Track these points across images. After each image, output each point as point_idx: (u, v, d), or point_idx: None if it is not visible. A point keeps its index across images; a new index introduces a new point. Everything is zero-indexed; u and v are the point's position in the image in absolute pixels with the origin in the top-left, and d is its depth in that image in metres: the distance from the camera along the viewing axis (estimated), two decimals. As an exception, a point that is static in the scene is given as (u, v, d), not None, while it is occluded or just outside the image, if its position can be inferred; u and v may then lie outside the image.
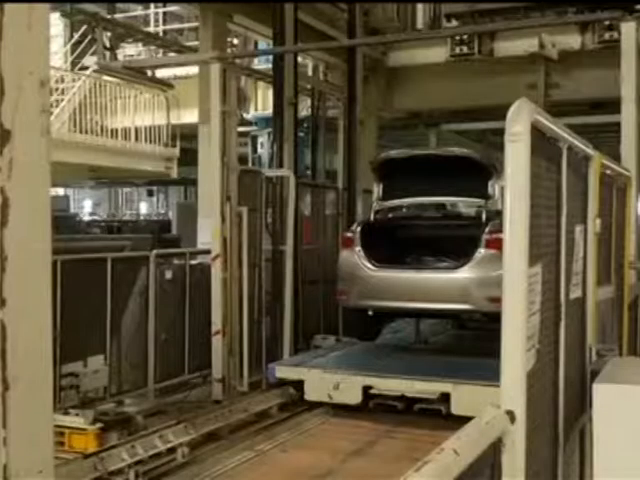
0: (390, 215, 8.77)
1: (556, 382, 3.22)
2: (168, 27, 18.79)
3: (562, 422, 3.31)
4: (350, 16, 12.18)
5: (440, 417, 6.69)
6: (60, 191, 30.37)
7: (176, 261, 9.84)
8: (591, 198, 3.70)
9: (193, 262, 9.78)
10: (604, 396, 3.12)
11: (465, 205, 8.50)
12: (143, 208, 37.31)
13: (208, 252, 8.99)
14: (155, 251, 9.18)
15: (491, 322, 7.19)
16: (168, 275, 9.23)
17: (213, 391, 8.41)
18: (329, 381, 7.25)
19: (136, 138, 15.34)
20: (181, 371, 9.19)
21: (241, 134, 13.41)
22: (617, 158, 8.17)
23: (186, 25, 19.03)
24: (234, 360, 8.66)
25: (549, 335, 3.07)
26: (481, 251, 7.45)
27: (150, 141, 15.61)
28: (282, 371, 7.87)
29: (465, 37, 12.71)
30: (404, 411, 7.04)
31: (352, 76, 11.97)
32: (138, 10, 18.98)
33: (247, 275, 9.01)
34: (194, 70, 13.04)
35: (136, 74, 12.90)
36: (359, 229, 8.27)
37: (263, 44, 14.67)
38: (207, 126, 9.56)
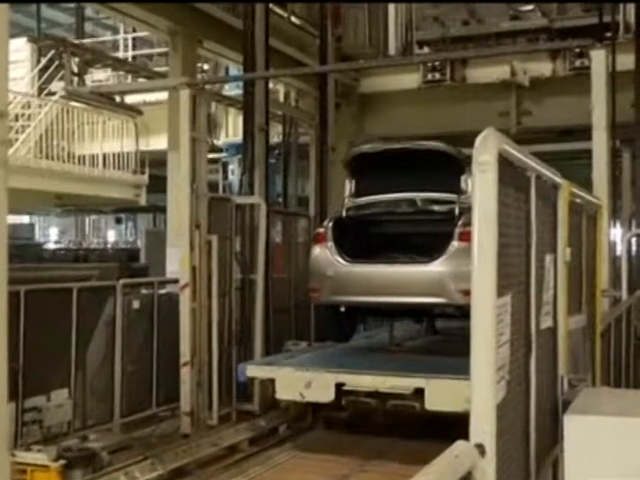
0: (363, 211, 8.71)
1: (527, 414, 3.23)
2: (137, 52, 18.81)
3: (534, 454, 3.32)
4: (322, 42, 12.31)
5: (414, 443, 6.64)
6: (25, 219, 30.08)
7: (144, 290, 9.76)
8: (561, 227, 3.75)
9: (161, 291, 9.71)
10: (575, 428, 3.13)
11: (438, 200, 8.47)
12: (111, 236, 37.03)
13: (177, 281, 8.94)
14: (122, 280, 9.11)
15: (464, 318, 7.33)
16: (136, 305, 9.15)
17: (181, 425, 8.32)
18: (301, 379, 7.20)
19: (104, 165, 15.28)
20: (148, 404, 9.08)
21: (211, 161, 13.46)
22: (590, 185, 8.29)
23: (156, 50, 19.08)
24: (203, 392, 8.58)
25: (519, 366, 3.09)
26: (454, 244, 7.46)
27: (118, 168, 15.55)
28: (252, 370, 7.82)
29: (437, 64, 12.90)
30: (377, 410, 7.04)
31: (324, 103, 12.07)
32: (107, 35, 19.01)
33: (217, 305, 8.97)
34: (163, 96, 13.05)
35: (104, 100, 12.92)
36: (331, 224, 8.27)
37: (234, 70, 14.76)
38: (176, 153, 9.57)
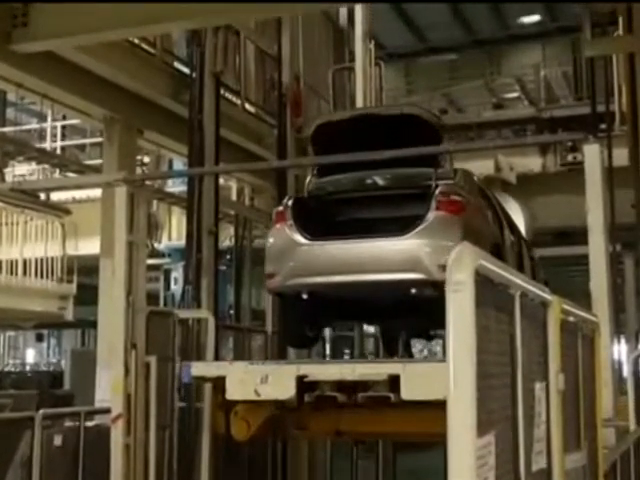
0: (327, 189, 8.62)
1: None
2: (67, 143, 19.06)
3: None
4: (280, 133, 12.63)
5: None
6: None
7: (68, 423, 9.60)
8: (552, 350, 3.81)
9: (89, 424, 9.56)
10: None
11: (412, 175, 8.45)
12: (30, 356, 36.45)
13: (108, 411, 8.80)
14: (42, 411, 8.96)
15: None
16: (57, 441, 8.98)
17: None
18: (256, 374, 7.10)
19: (24, 272, 15.20)
20: None
21: (152, 267, 13.49)
22: (589, 295, 8.42)
23: (88, 140, 19.35)
24: None
25: (508, 516, 3.08)
26: (432, 214, 7.45)
27: (41, 276, 15.48)
28: (199, 369, 7.84)
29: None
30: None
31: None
32: (32, 123, 19.29)
33: (155, 439, 8.82)
34: (96, 193, 13.18)
35: (27, 197, 12.98)
36: (291, 202, 8.18)
37: (179, 163, 15.00)
38: (110, 259, 9.59)
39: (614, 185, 10.69)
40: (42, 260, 15.55)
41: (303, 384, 6.93)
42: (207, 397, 9.57)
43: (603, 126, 13.11)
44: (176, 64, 12.20)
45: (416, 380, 6.44)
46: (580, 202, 9.29)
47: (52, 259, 15.69)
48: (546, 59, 26.62)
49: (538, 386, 3.61)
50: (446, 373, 2.43)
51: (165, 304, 15.69)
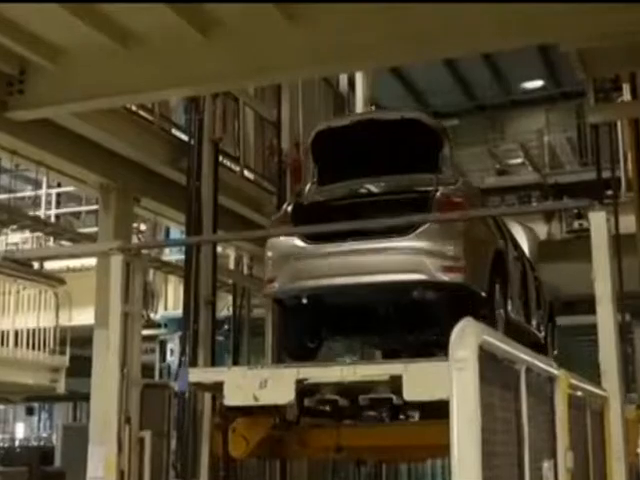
0: (326, 196, 8.65)
1: None
2: (62, 210, 19.15)
3: None
4: (280, 200, 12.68)
5: None
6: None
7: (58, 502, 9.48)
8: (559, 427, 3.77)
9: (80, 503, 9.43)
10: None
11: (413, 183, 8.48)
12: (20, 430, 36.09)
13: (100, 490, 8.70)
14: (31, 489, 8.85)
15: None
16: (47, 521, 8.85)
17: None
18: (255, 378, 7.02)
19: (15, 344, 15.13)
20: None
21: (147, 338, 13.44)
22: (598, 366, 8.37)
23: (84, 208, 19.44)
24: None
25: None
26: (434, 215, 7.59)
27: (33, 347, 15.41)
28: (196, 374, 7.84)
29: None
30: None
31: (281, 270, 12.26)
32: (27, 190, 19.40)
33: (149, 519, 8.70)
34: (91, 261, 13.20)
35: (20, 267, 12.99)
36: (290, 207, 8.32)
37: (176, 232, 15.06)
38: (105, 329, 9.54)
39: (621, 253, 10.71)
40: (34, 331, 15.50)
41: (303, 389, 6.90)
42: (204, 475, 9.48)
43: (609, 192, 13.19)
44: (174, 131, 12.32)
45: (418, 380, 6.40)
46: (587, 270, 9.31)
47: (45, 330, 15.64)
48: (550, 124, 26.88)
49: (546, 465, 3.58)
50: (452, 456, 2.41)
51: (161, 376, 15.61)
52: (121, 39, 8.33)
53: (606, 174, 13.73)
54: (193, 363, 10.34)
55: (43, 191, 17.73)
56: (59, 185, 17.96)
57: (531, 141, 25.92)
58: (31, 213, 17.03)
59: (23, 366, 15.40)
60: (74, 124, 10.27)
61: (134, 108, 11.24)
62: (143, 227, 16.49)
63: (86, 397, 12.26)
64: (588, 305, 9.91)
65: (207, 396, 9.76)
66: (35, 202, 18.59)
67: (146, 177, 11.74)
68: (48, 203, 18.31)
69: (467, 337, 2.53)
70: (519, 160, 25.86)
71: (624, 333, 10.50)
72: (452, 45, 8.27)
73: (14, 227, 15.63)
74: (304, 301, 8.04)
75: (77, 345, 16.06)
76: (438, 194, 7.72)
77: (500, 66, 25.88)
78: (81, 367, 14.22)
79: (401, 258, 7.63)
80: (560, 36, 8.27)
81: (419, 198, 7.94)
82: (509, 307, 8.64)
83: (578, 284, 11.06)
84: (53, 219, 18.16)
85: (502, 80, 27.28)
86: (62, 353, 15.88)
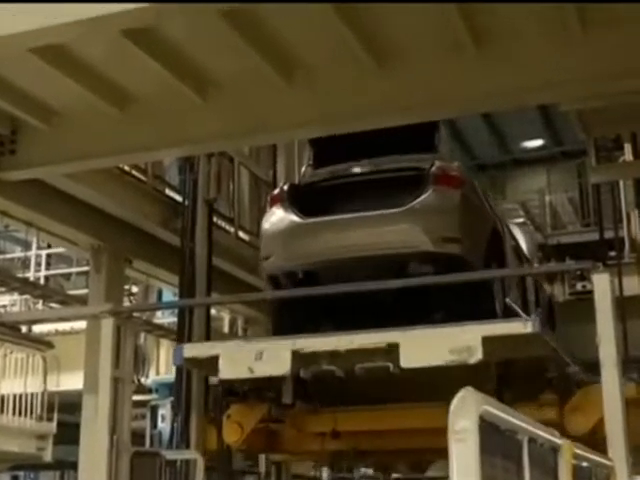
0: (322, 176, 8.82)
1: None
2: (52, 272, 19.15)
3: None
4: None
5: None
6: None
7: None
8: (564, 498, 3.77)
9: None
10: None
11: (411, 160, 8.58)
12: (4, 500, 35.55)
13: None
14: None
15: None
16: None
17: None
18: (250, 351, 7.18)
19: (1, 410, 15.04)
20: None
21: (138, 404, 13.35)
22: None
23: (74, 270, 19.44)
24: None
25: None
26: (430, 187, 7.75)
27: (20, 413, 15.30)
28: (191, 349, 7.98)
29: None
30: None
31: (277, 333, 12.26)
32: (16, 251, 19.45)
33: None
34: (81, 324, 13.18)
35: (7, 330, 12.96)
36: (286, 186, 8.58)
37: (168, 294, 15.06)
38: (94, 395, 9.51)
39: (626, 315, 10.71)
40: (21, 396, 15.40)
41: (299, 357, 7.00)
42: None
43: (612, 253, 13.24)
44: (167, 191, 12.39)
45: (415, 347, 6.48)
46: (591, 333, 9.30)
47: (32, 395, 15.54)
48: (551, 184, 27.03)
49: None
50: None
51: (152, 443, 15.46)
52: (115, 100, 8.42)
53: (609, 234, 13.80)
54: (185, 430, 10.28)
55: (33, 252, 17.76)
56: (49, 246, 18.00)
57: (532, 200, 26.05)
58: (20, 274, 17.07)
59: (8, 433, 15.27)
60: (65, 184, 10.32)
61: (127, 168, 11.31)
62: (135, 289, 16.49)
63: (74, 465, 12.13)
64: (592, 368, 9.92)
65: (199, 463, 9.69)
66: (24, 263, 18.64)
67: (138, 238, 11.77)
68: (38, 264, 18.33)
69: (467, 407, 2.54)
70: (520, 220, 25.99)
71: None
72: (448, 107, 8.39)
73: (2, 289, 15.67)
74: (299, 276, 8.21)
75: (65, 411, 15.96)
76: (434, 168, 7.94)
77: (500, 125, 26.13)
78: (69, 434, 14.11)
79: (398, 230, 7.78)
80: (559, 97, 8.41)
81: (417, 175, 8.12)
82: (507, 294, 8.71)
83: (582, 348, 11.06)
84: (43, 281, 18.15)
85: (502, 139, 27.54)
86: (49, 419, 15.77)
